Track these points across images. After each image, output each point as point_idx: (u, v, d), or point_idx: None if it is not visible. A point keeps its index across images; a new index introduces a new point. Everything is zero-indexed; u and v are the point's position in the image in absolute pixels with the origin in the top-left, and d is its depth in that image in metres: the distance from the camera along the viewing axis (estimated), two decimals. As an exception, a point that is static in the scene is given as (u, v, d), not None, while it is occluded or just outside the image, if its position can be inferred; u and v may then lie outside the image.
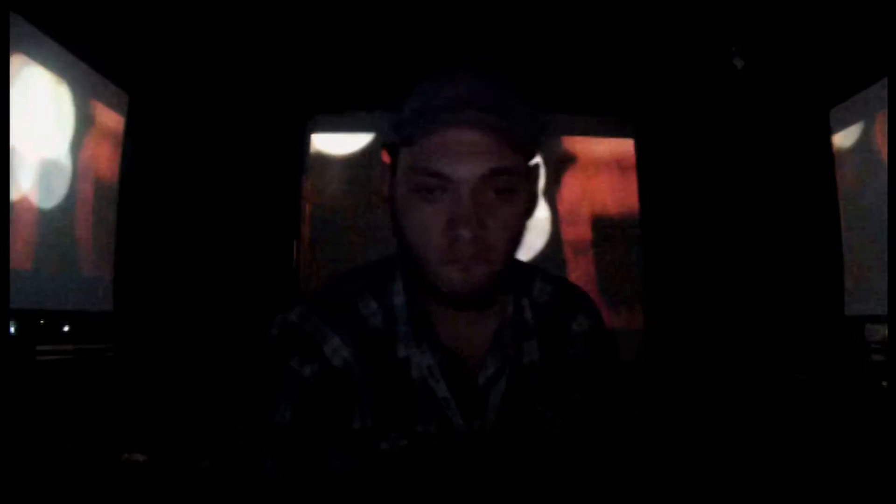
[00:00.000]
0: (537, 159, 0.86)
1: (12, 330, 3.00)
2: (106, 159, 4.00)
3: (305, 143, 4.85)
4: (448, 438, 0.84)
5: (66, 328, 3.53)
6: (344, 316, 0.86)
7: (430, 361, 0.85)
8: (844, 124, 4.14)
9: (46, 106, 3.37)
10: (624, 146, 4.88)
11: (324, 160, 4.83)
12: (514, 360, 0.88)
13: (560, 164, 4.83)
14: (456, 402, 0.85)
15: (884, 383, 3.33)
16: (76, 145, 3.65)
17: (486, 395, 0.86)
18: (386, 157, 0.85)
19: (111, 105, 4.01)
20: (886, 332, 3.43)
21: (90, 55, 3.67)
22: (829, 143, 4.25)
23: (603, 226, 4.82)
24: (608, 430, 0.94)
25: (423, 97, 0.80)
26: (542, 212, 4.82)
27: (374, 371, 0.84)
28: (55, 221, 3.46)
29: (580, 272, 4.68)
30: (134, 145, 4.16)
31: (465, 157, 0.77)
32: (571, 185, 4.85)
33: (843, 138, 4.16)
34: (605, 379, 0.95)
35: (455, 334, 0.86)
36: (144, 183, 4.23)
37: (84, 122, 3.73)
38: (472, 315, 0.87)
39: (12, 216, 2.87)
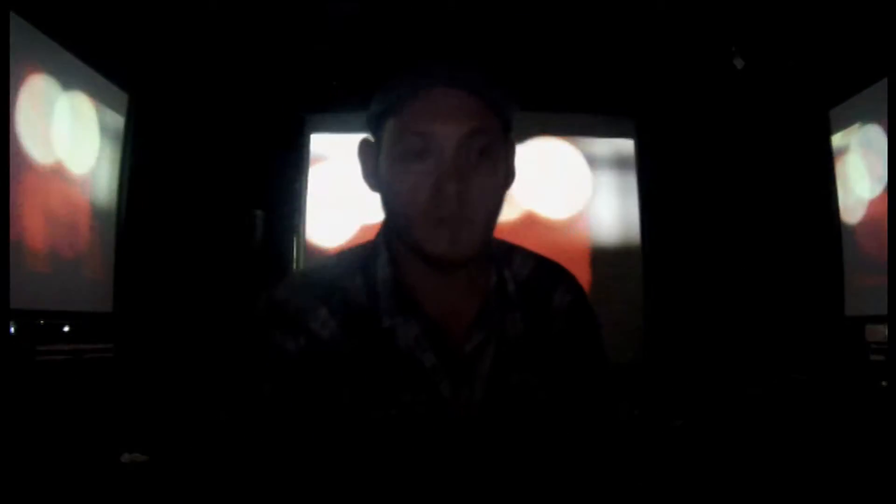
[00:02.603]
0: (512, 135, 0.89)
1: (12, 330, 3.00)
2: (105, 159, 4.00)
3: (305, 142, 4.86)
4: (436, 407, 0.85)
5: (66, 328, 3.53)
6: (330, 290, 0.87)
7: (416, 332, 0.86)
8: (844, 124, 4.14)
9: (46, 106, 3.36)
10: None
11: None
12: (499, 331, 0.89)
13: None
14: (443, 371, 0.86)
15: (884, 383, 3.33)
16: (76, 145, 3.65)
17: (473, 365, 0.87)
18: (364, 148, 0.89)
19: (111, 105, 4.01)
20: (886, 332, 3.43)
21: (90, 55, 3.67)
22: (828, 144, 4.25)
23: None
24: (592, 402, 0.95)
25: (405, 71, 0.84)
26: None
27: (360, 342, 0.85)
28: (55, 221, 3.46)
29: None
30: (134, 145, 4.16)
31: (447, 116, 0.81)
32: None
33: (843, 138, 4.16)
34: (589, 352, 0.96)
35: (440, 306, 0.87)
36: (144, 183, 4.23)
37: (84, 122, 3.73)
38: (456, 287, 0.88)
39: (12, 216, 2.87)
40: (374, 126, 0.87)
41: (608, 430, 0.95)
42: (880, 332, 3.60)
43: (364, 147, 0.89)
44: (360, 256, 0.91)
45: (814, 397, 3.64)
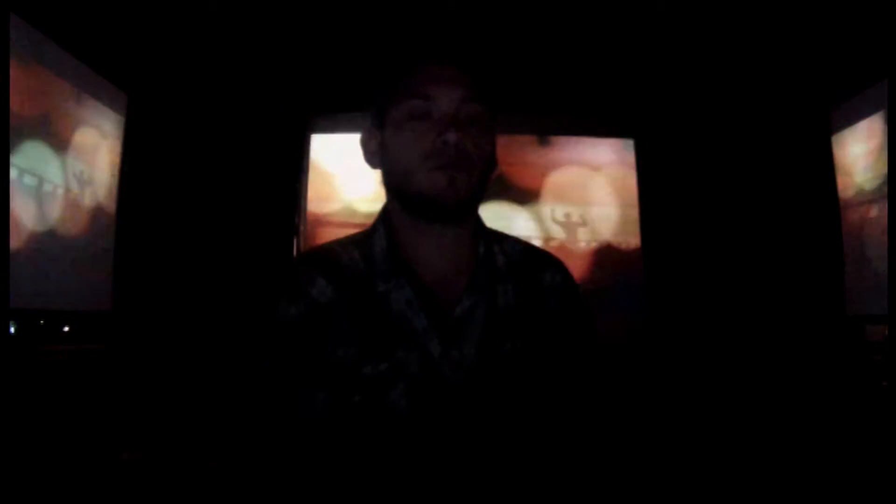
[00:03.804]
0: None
1: (12, 330, 3.01)
2: (105, 159, 4.00)
3: (305, 142, 4.85)
4: (425, 364, 0.91)
5: (66, 328, 3.53)
6: (329, 262, 0.97)
7: (408, 295, 0.93)
8: (845, 125, 4.14)
9: (45, 105, 3.37)
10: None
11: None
12: (490, 300, 0.96)
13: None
14: (433, 332, 0.92)
15: (884, 383, 3.33)
16: (76, 145, 3.65)
17: (463, 329, 0.93)
18: (366, 133, 1.01)
19: (110, 105, 4.01)
20: (886, 332, 3.43)
21: (90, 55, 3.68)
22: (829, 144, 4.25)
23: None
24: (578, 376, 1.01)
25: (405, 55, 1.00)
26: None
27: (355, 304, 0.94)
28: (55, 222, 3.46)
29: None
30: (133, 145, 4.16)
31: (446, 81, 0.95)
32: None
33: (844, 139, 4.16)
34: (579, 330, 1.03)
35: (432, 273, 0.96)
36: (144, 182, 4.23)
37: (84, 122, 3.73)
38: (448, 256, 0.97)
39: (12, 216, 2.87)
40: (379, 106, 0.99)
41: (592, 401, 1.02)
42: (880, 332, 3.61)
43: (366, 133, 1.01)
44: (359, 235, 1.02)
45: (814, 397, 3.64)
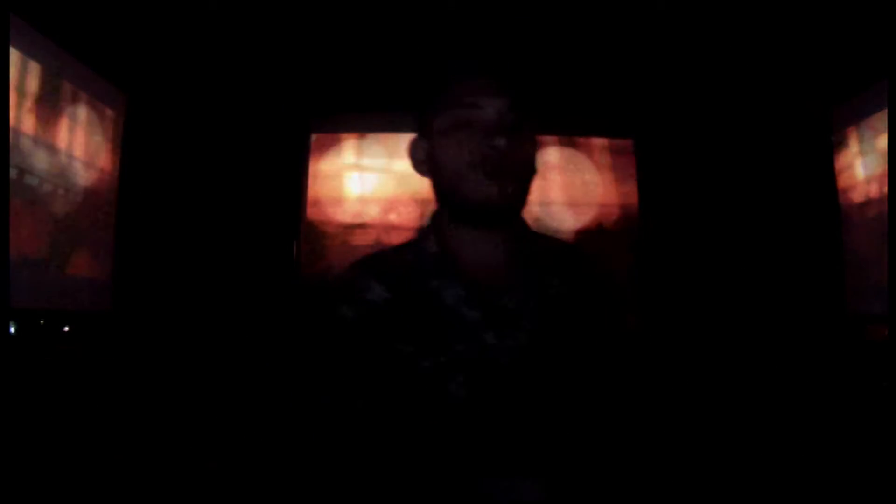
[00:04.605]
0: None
1: (12, 330, 3.00)
2: (105, 159, 4.00)
3: (306, 142, 4.85)
4: (483, 354, 0.96)
5: (66, 328, 3.53)
6: (383, 267, 1.04)
7: (460, 292, 0.99)
8: (845, 124, 4.14)
9: (45, 105, 3.37)
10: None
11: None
12: (537, 292, 1.02)
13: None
14: (486, 324, 0.97)
15: (884, 383, 3.33)
16: (76, 145, 3.65)
17: (515, 319, 0.99)
18: (414, 144, 1.06)
19: (110, 104, 4.01)
20: (886, 332, 3.43)
21: (90, 55, 3.68)
22: (830, 143, 4.25)
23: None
24: (618, 357, 1.09)
25: (450, 68, 1.04)
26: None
27: (410, 303, 0.99)
28: (55, 221, 3.46)
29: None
30: (133, 145, 4.16)
31: (490, 90, 0.99)
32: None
33: (844, 138, 4.16)
34: (614, 316, 1.11)
35: (482, 271, 1.01)
36: (144, 182, 4.23)
37: (83, 122, 3.73)
38: (497, 254, 1.02)
39: (12, 216, 2.87)
40: (423, 116, 1.04)
41: (628, 383, 1.10)
42: (880, 332, 3.60)
43: (414, 143, 1.06)
44: (410, 240, 1.08)
45: (814, 397, 3.64)
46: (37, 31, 3.20)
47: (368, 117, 4.77)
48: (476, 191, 0.97)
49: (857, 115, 4.00)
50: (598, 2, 3.93)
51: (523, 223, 1.07)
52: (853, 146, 4.08)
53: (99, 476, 2.83)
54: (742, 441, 3.29)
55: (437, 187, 1.04)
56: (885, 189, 3.59)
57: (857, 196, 4.04)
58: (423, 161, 1.05)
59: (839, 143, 4.19)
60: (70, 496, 2.66)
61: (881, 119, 3.69)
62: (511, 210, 1.01)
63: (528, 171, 1.01)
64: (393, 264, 1.03)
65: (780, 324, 4.22)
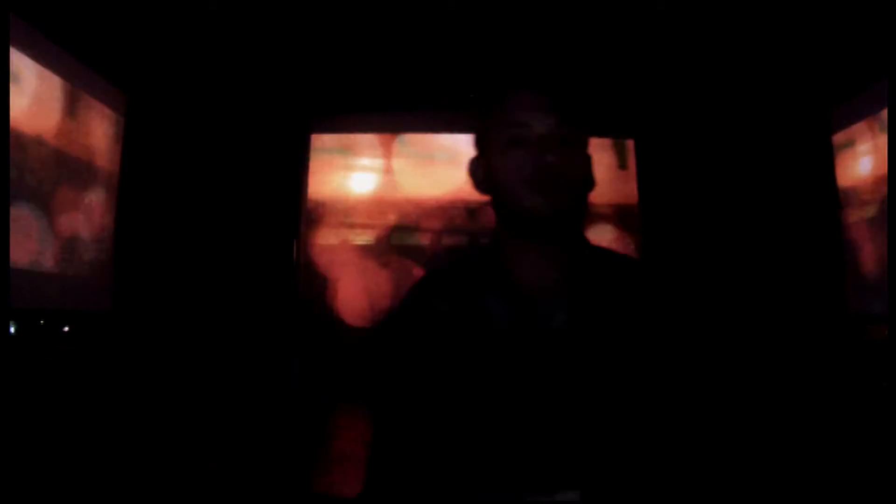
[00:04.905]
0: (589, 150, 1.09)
1: (12, 330, 3.01)
2: (106, 159, 4.00)
3: (306, 142, 4.86)
4: (529, 370, 1.01)
5: (66, 328, 3.53)
6: (442, 283, 1.10)
7: (508, 311, 1.03)
8: (845, 125, 4.14)
9: (45, 105, 3.37)
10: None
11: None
12: (587, 310, 1.05)
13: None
14: (534, 341, 1.01)
15: (884, 383, 3.33)
16: (76, 145, 3.65)
17: (562, 338, 1.02)
18: (474, 163, 1.10)
19: (111, 105, 4.01)
20: (886, 332, 3.43)
21: (90, 55, 3.68)
22: (829, 144, 4.25)
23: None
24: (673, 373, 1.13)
25: (500, 84, 1.08)
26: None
27: (464, 319, 1.04)
28: (55, 222, 3.46)
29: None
30: (133, 145, 4.16)
31: (540, 107, 1.02)
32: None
33: (844, 138, 4.16)
34: (672, 333, 1.15)
35: (535, 287, 1.04)
36: (144, 182, 4.23)
37: (83, 122, 3.73)
38: (550, 269, 1.05)
39: (12, 216, 2.87)
40: (480, 134, 1.09)
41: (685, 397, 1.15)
42: (880, 332, 3.60)
43: (473, 162, 1.10)
44: (475, 255, 1.13)
45: (814, 397, 3.64)
46: (37, 31, 3.20)
47: (368, 117, 4.77)
48: (528, 206, 1.01)
49: (857, 115, 4.00)
50: (599, 2, 3.93)
51: (582, 238, 1.10)
52: (854, 145, 4.08)
53: (99, 475, 2.83)
54: (742, 440, 3.29)
55: (495, 204, 1.08)
56: (885, 189, 3.59)
57: (858, 196, 4.04)
58: (482, 180, 1.08)
59: (840, 143, 4.19)
60: (70, 496, 2.66)
61: (881, 119, 3.69)
62: (563, 224, 1.04)
63: (580, 185, 1.05)
64: (451, 280, 1.10)
65: (781, 324, 4.22)
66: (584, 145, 1.06)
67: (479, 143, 1.10)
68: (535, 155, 1.00)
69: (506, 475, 0.99)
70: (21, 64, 3.10)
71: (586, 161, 1.06)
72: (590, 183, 1.07)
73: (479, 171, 1.10)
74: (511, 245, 1.07)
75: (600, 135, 4.95)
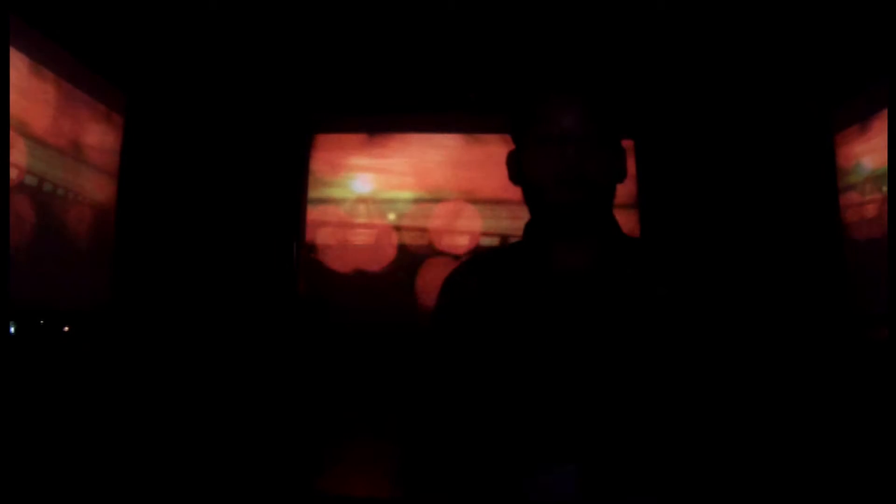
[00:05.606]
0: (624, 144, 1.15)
1: (12, 330, 3.00)
2: (105, 159, 4.00)
3: (306, 143, 4.85)
4: (565, 350, 1.06)
5: (66, 328, 3.53)
6: (480, 268, 1.18)
7: (543, 290, 1.09)
8: (845, 125, 4.14)
9: (45, 105, 3.37)
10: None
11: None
12: (617, 296, 1.10)
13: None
14: (569, 323, 1.07)
15: (884, 383, 3.33)
16: (75, 145, 3.65)
17: (595, 320, 1.08)
18: (510, 156, 1.16)
19: (111, 105, 4.01)
20: (886, 332, 3.43)
21: (90, 55, 3.68)
22: (829, 144, 4.25)
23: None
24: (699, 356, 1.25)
25: (536, 84, 1.14)
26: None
27: (501, 301, 1.10)
28: (55, 221, 3.46)
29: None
30: (133, 145, 4.16)
31: (568, 106, 1.09)
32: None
33: (845, 138, 4.16)
34: (701, 320, 1.27)
35: (571, 276, 1.10)
36: (144, 182, 4.23)
37: (83, 122, 3.73)
38: (581, 259, 1.11)
39: (12, 216, 2.87)
40: (516, 130, 1.14)
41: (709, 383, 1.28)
42: (880, 332, 3.60)
43: (510, 155, 1.16)
44: (510, 246, 1.21)
45: (814, 397, 3.64)
46: (36, 31, 3.20)
47: (369, 117, 4.77)
48: (554, 200, 1.07)
49: (857, 116, 4.00)
50: (598, 3, 3.93)
51: (615, 228, 1.15)
52: (853, 146, 4.08)
53: (99, 475, 2.83)
54: (742, 440, 3.29)
55: (526, 196, 1.14)
56: (886, 189, 3.59)
57: (858, 196, 4.04)
58: (517, 173, 1.15)
59: (840, 143, 4.19)
60: (70, 496, 2.66)
61: (881, 119, 3.69)
62: (587, 216, 1.09)
63: (606, 179, 1.10)
64: (489, 265, 1.17)
65: (781, 324, 4.22)
66: (613, 141, 1.12)
67: (516, 139, 1.16)
68: (562, 151, 1.06)
69: (543, 445, 1.05)
70: (21, 64, 3.11)
71: (617, 155, 1.12)
72: (619, 175, 1.13)
73: (514, 164, 1.16)
74: (544, 236, 1.13)
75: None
